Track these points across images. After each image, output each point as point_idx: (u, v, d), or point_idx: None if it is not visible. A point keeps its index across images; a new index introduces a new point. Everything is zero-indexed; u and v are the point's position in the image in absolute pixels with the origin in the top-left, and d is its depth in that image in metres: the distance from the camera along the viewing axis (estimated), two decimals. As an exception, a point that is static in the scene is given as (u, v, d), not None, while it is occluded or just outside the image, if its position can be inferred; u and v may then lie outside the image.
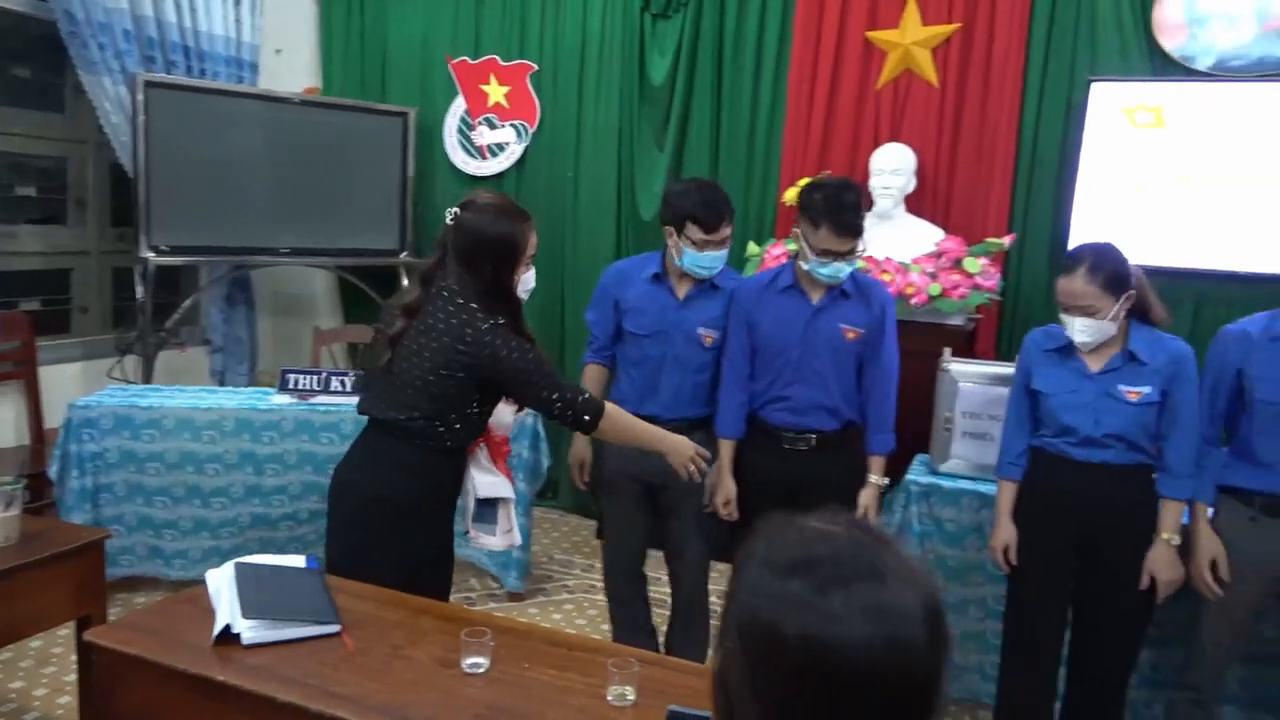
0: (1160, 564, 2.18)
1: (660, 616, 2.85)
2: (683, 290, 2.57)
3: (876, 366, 2.49)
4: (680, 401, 2.57)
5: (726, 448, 2.56)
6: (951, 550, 2.76)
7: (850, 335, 2.45)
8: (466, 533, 2.28)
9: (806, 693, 0.69)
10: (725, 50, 4.08)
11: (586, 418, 2.08)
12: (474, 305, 2.02)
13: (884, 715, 0.69)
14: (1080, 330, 2.16)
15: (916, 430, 2.90)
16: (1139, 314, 2.22)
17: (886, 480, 2.53)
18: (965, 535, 2.72)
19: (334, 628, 1.76)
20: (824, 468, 2.47)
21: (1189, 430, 2.19)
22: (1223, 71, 3.33)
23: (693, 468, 2.20)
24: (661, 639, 2.81)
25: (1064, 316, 2.20)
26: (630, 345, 2.61)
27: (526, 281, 2.11)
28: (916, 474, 2.83)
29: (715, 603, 2.75)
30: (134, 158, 3.86)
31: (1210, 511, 2.24)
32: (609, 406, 2.13)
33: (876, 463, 2.51)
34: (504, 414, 2.26)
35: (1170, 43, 3.39)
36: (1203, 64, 3.35)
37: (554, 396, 2.06)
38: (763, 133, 4.06)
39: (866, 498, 2.50)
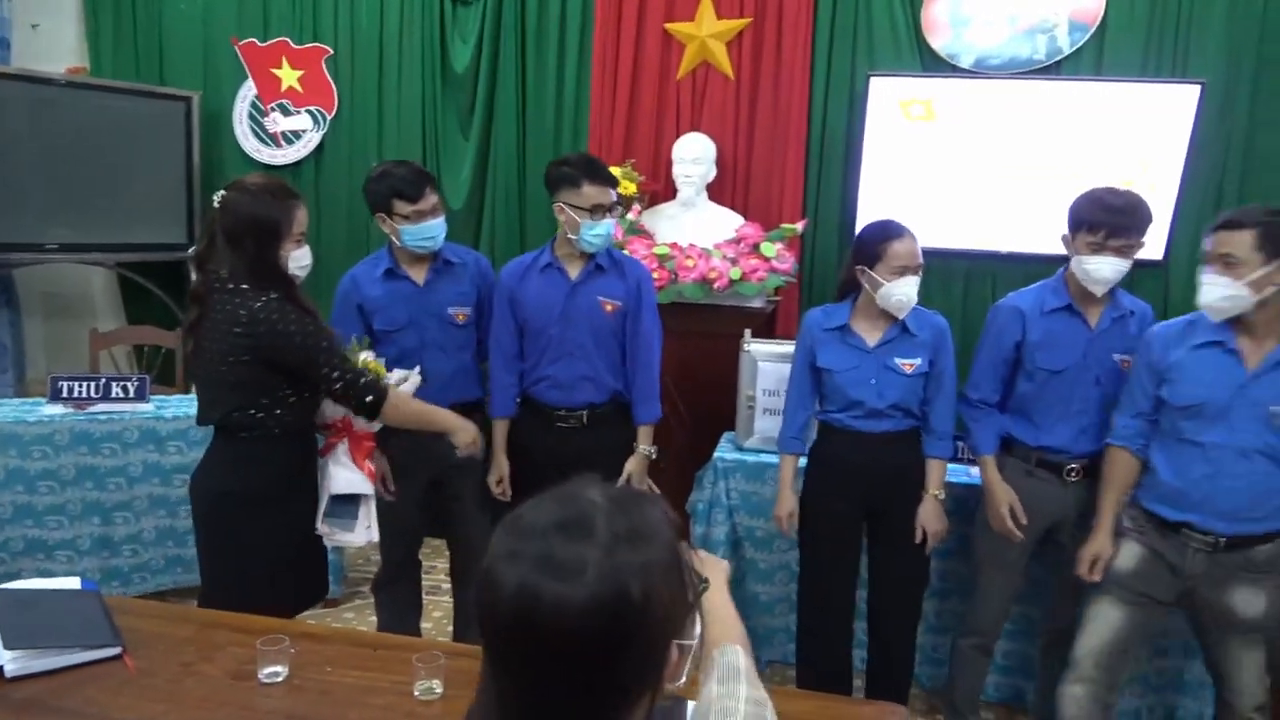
0: (929, 517, 2.40)
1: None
2: (420, 276, 2.58)
3: (637, 338, 2.58)
4: (448, 387, 2.56)
5: (499, 428, 2.61)
6: (757, 521, 2.91)
7: (609, 308, 2.54)
8: (317, 533, 2.20)
9: (490, 635, 0.73)
10: (528, 39, 4.06)
11: (369, 399, 2.07)
12: (244, 286, 1.99)
13: (542, 664, 0.72)
14: (912, 287, 2.29)
15: (724, 409, 3.03)
16: None
17: (654, 449, 2.63)
18: (769, 506, 2.85)
19: (113, 650, 1.64)
20: (596, 442, 2.55)
21: (949, 396, 2.41)
22: (982, 69, 3.65)
23: (475, 449, 2.29)
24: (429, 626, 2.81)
25: (896, 281, 2.27)
26: (386, 345, 2.56)
27: (299, 259, 2.09)
28: (723, 451, 2.96)
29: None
30: None
31: (994, 461, 2.42)
32: (392, 390, 2.13)
33: (644, 432, 2.61)
34: None
35: (937, 41, 3.68)
36: (966, 61, 3.66)
37: (334, 375, 2.03)
38: (569, 122, 4.08)
39: (632, 465, 2.59)
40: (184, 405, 3.26)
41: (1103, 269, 2.21)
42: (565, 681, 0.73)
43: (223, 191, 2.04)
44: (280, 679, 1.61)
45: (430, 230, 2.48)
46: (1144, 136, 3.44)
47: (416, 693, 1.58)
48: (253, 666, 1.62)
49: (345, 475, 2.19)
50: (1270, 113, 3.43)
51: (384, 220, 2.49)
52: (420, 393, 2.44)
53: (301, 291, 2.09)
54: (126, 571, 3.19)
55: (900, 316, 2.35)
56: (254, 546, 2.04)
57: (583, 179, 2.42)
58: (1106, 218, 2.19)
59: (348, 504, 2.21)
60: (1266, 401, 1.95)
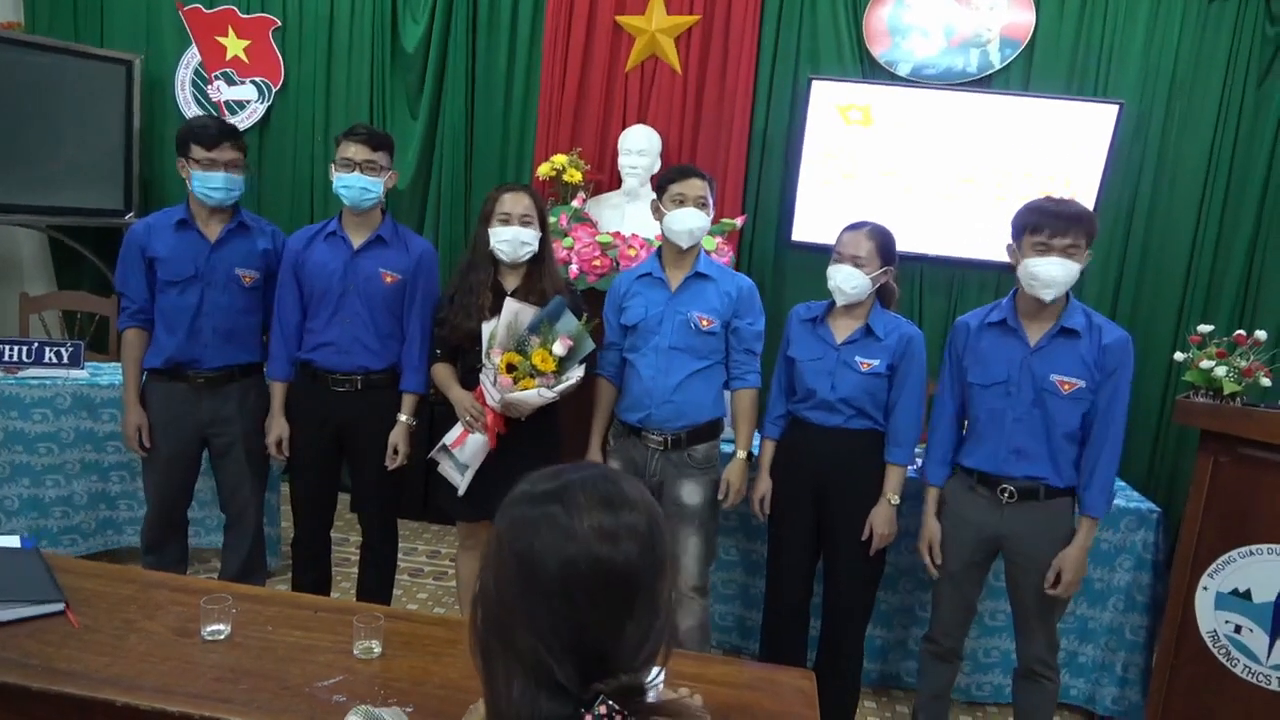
0: (878, 520, 2.46)
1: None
2: (214, 232, 2.63)
3: (413, 310, 2.67)
4: (223, 348, 2.65)
5: (278, 391, 2.68)
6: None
7: (389, 279, 2.63)
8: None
9: (558, 594, 0.86)
10: (479, 21, 4.10)
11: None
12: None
13: (611, 604, 0.88)
14: (842, 274, 2.40)
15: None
16: (882, 300, 2.51)
17: (414, 419, 2.70)
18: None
19: (56, 606, 1.68)
20: (368, 409, 2.64)
21: (910, 405, 2.46)
22: (919, 79, 3.81)
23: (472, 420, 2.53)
24: None
25: (833, 266, 2.44)
26: (168, 294, 2.61)
27: (497, 235, 2.47)
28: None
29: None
30: None
31: (936, 495, 2.45)
32: (439, 365, 2.62)
33: (407, 401, 2.69)
34: (475, 445, 2.51)
35: (877, 49, 3.83)
36: (903, 70, 3.82)
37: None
38: (517, 107, 4.13)
39: (394, 435, 2.67)
40: (118, 374, 3.23)
41: (1051, 269, 2.15)
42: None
43: None
44: (223, 636, 1.66)
45: (214, 181, 2.54)
46: (1066, 151, 3.64)
47: (356, 652, 1.65)
48: (195, 625, 1.67)
49: (457, 432, 2.53)
50: (1180, 133, 3.66)
51: (182, 166, 2.56)
52: (193, 351, 2.61)
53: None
54: (56, 533, 3.17)
55: (838, 301, 2.47)
56: None
57: (344, 136, 2.58)
58: (1048, 219, 2.17)
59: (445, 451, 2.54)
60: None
